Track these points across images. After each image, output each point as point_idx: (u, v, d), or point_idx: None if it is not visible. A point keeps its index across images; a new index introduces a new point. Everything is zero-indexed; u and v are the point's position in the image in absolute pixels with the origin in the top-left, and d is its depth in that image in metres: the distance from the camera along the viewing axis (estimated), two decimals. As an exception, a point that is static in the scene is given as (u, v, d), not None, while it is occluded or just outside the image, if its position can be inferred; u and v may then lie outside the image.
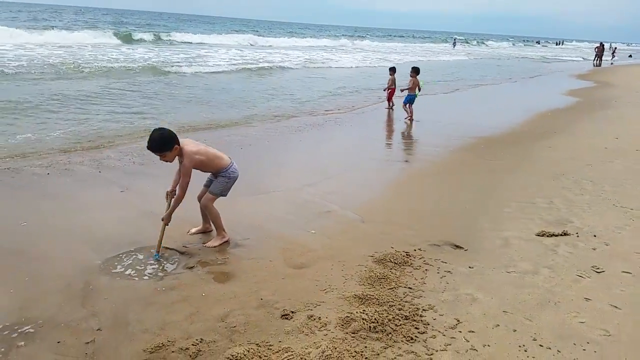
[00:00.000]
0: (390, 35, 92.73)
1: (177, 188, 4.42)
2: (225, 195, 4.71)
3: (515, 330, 3.38)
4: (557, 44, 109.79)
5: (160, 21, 74.93)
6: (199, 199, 4.82)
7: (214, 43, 38.86)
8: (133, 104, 11.94)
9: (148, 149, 4.24)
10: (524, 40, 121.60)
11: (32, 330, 3.29)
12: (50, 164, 6.94)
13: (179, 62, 22.29)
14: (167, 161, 4.34)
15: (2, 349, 3.08)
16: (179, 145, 4.29)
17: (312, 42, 49.16)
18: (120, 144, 8.30)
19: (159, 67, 19.57)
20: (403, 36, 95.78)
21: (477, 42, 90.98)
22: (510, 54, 54.22)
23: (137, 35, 36.91)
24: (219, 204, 4.71)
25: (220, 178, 4.64)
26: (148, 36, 37.57)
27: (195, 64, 22.05)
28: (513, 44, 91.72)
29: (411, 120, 11.97)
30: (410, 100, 12.12)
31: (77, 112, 10.60)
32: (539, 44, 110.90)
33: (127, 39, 34.28)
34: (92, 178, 6.53)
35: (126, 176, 6.66)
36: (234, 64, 23.18)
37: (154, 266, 4.23)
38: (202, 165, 4.50)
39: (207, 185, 4.76)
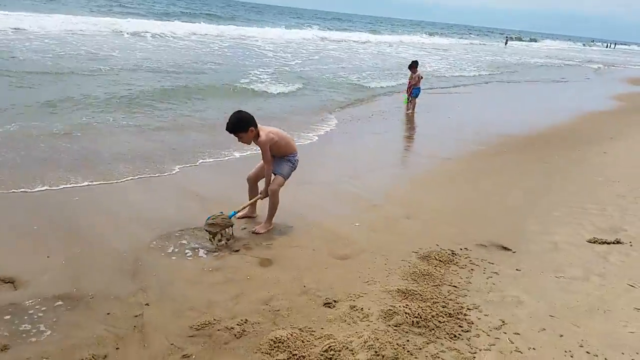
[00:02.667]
0: (442, 31, 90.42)
1: (264, 164, 4.68)
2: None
3: (562, 336, 3.29)
4: (607, 47, 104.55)
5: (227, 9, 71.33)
6: (249, 179, 4.92)
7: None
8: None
9: (226, 129, 4.45)
10: (582, 42, 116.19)
11: (83, 300, 3.41)
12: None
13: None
14: (244, 143, 4.54)
15: (54, 318, 3.21)
16: (255, 128, 4.44)
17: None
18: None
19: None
20: (455, 32, 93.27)
21: (530, 39, 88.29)
22: (573, 56, 50.01)
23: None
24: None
25: (287, 162, 4.78)
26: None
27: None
28: (574, 43, 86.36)
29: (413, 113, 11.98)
30: (417, 94, 12.05)
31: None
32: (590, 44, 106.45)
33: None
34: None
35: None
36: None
37: (200, 247, 4.33)
38: (275, 144, 4.64)
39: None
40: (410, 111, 11.95)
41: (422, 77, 12.17)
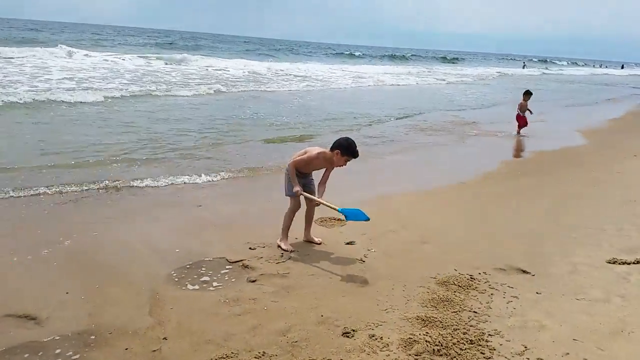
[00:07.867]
0: (447, 58, 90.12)
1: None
2: None
3: (586, 360, 3.23)
4: (622, 67, 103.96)
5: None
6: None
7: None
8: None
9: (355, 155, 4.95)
10: (588, 64, 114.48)
11: (101, 336, 3.41)
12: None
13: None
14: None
15: (73, 355, 3.20)
16: (333, 152, 4.84)
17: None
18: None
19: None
20: (460, 58, 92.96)
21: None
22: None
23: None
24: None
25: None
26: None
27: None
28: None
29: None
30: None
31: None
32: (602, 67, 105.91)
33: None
34: (157, 193, 6.77)
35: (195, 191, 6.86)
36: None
37: (217, 278, 4.32)
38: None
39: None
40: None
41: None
